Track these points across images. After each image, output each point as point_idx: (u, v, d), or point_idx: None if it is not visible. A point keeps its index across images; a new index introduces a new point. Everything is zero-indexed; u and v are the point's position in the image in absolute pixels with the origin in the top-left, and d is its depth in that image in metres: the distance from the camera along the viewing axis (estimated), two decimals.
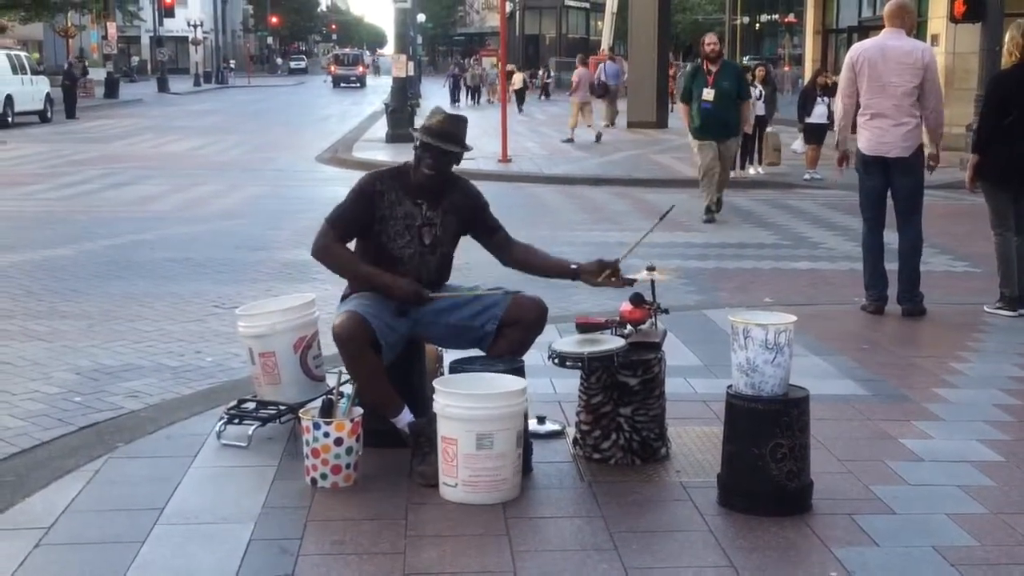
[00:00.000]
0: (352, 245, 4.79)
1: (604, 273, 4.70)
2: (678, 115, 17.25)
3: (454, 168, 4.75)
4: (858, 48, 7.57)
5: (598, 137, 24.36)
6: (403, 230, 4.67)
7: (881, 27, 7.64)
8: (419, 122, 4.79)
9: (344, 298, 4.77)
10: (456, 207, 4.78)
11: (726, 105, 12.31)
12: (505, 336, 4.66)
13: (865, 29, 27.04)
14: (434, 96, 46.20)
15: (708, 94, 12.22)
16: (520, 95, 39.16)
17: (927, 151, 7.59)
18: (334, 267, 4.77)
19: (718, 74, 12.32)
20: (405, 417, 4.56)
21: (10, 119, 29.14)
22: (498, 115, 21.20)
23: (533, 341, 4.76)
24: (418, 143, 4.63)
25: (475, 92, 45.86)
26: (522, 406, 4.25)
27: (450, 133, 4.63)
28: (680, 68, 37.38)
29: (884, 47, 7.38)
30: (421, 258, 4.71)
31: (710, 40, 12.65)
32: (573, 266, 4.81)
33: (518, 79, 39.45)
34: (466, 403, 4.16)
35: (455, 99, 44.25)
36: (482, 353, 4.72)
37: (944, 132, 7.67)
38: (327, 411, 4.37)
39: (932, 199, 7.98)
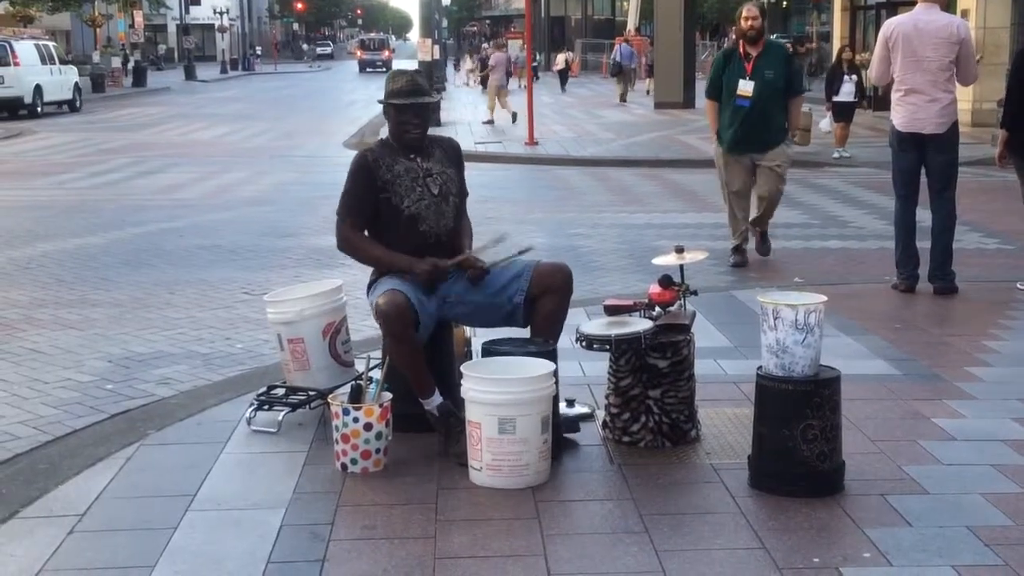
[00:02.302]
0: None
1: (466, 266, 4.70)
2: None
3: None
4: (892, 23, 7.48)
5: (514, 117, 24.22)
6: (411, 184, 4.71)
7: (910, 3, 7.55)
8: (382, 93, 4.84)
9: (372, 284, 4.77)
10: (448, 157, 4.89)
11: (770, 103, 8.64)
12: (540, 310, 4.65)
13: (894, 5, 26.76)
14: (461, 81, 46.14)
15: (746, 87, 8.61)
16: (563, 76, 39.58)
17: None
18: (357, 257, 4.88)
19: (759, 60, 8.64)
20: (435, 400, 4.57)
21: (39, 109, 29.33)
22: (525, 98, 21.15)
23: (567, 306, 4.76)
24: (391, 111, 4.73)
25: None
26: (548, 391, 4.23)
27: (418, 87, 4.76)
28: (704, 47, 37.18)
29: (919, 21, 7.28)
30: (438, 208, 4.74)
31: (748, 14, 8.69)
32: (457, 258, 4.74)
33: (560, 60, 40.26)
34: (488, 387, 4.17)
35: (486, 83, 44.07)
36: (514, 329, 4.71)
37: (976, 107, 7.58)
38: (356, 396, 4.38)
39: (963, 176, 7.88)
